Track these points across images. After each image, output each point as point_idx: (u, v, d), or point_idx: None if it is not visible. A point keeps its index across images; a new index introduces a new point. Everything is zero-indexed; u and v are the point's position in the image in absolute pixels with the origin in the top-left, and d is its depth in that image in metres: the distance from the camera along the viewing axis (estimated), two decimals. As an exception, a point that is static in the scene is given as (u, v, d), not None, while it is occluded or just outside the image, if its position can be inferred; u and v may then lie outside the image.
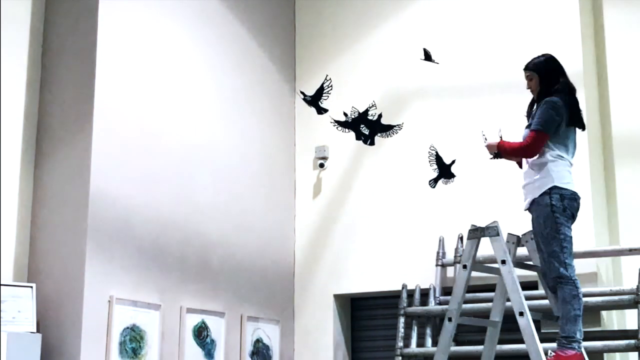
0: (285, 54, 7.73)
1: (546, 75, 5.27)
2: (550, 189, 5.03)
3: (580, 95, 6.22)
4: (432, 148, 7.00)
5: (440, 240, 6.79)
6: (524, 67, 5.37)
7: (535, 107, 5.31)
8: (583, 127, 5.35)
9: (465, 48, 7.07)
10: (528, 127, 5.25)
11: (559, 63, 5.33)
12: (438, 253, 6.77)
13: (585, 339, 5.27)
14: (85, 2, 6.00)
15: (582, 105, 6.13)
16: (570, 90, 5.28)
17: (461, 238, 6.64)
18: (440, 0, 7.27)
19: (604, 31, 6.85)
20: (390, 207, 7.14)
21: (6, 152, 5.72)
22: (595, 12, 6.94)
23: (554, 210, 4.98)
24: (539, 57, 5.37)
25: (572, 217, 5.09)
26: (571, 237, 5.02)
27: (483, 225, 5.10)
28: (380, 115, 7.29)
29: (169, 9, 6.54)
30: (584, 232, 6.02)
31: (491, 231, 5.05)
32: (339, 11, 7.71)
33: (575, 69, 6.28)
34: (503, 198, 6.48)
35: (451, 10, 7.20)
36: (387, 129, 7.25)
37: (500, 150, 5.27)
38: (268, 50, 7.51)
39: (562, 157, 5.12)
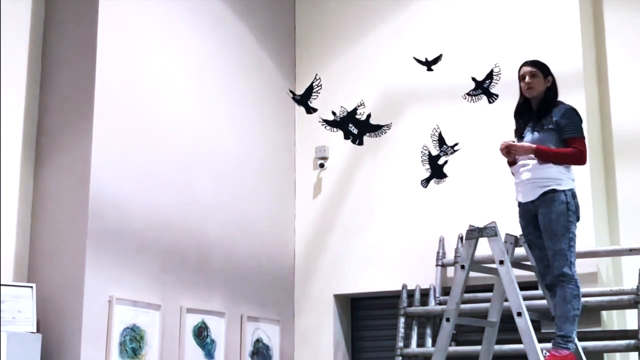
0: (285, 54, 7.73)
1: (554, 83, 5.28)
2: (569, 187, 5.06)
3: (580, 95, 6.26)
4: (424, 148, 6.98)
5: (440, 240, 6.79)
6: (530, 61, 5.29)
7: (536, 106, 5.24)
8: None
9: (463, 48, 7.06)
10: (538, 130, 5.14)
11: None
12: (438, 253, 6.77)
13: (585, 339, 5.26)
14: (85, 2, 6.00)
15: (582, 106, 6.17)
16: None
17: (461, 238, 6.63)
18: (440, 0, 7.28)
19: (604, 31, 6.85)
20: (391, 207, 7.14)
21: (6, 152, 5.73)
22: (595, 13, 6.93)
23: (569, 209, 5.00)
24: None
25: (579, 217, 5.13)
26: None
27: (482, 225, 5.11)
28: (369, 115, 7.17)
29: (169, 10, 6.54)
30: (584, 232, 5.99)
31: (489, 231, 5.05)
32: (339, 11, 7.70)
33: (575, 69, 6.28)
34: (502, 198, 6.47)
35: (450, 10, 7.19)
36: (376, 128, 7.17)
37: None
38: (268, 50, 7.51)
39: None
